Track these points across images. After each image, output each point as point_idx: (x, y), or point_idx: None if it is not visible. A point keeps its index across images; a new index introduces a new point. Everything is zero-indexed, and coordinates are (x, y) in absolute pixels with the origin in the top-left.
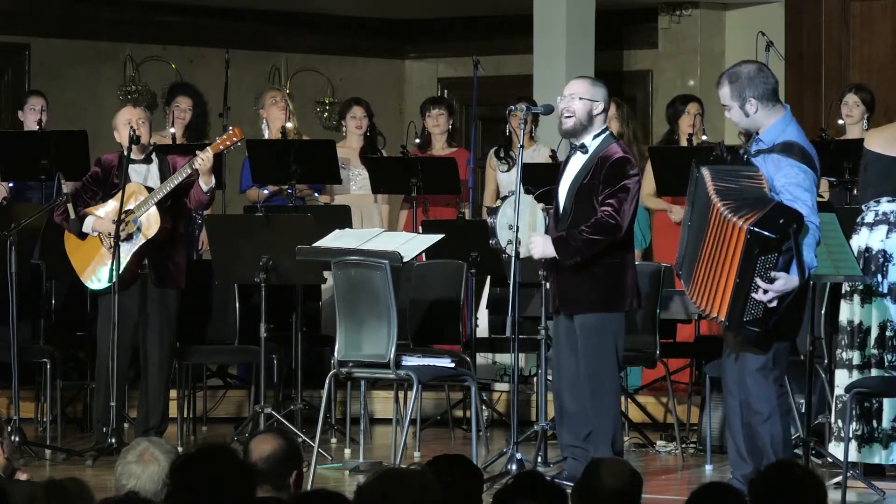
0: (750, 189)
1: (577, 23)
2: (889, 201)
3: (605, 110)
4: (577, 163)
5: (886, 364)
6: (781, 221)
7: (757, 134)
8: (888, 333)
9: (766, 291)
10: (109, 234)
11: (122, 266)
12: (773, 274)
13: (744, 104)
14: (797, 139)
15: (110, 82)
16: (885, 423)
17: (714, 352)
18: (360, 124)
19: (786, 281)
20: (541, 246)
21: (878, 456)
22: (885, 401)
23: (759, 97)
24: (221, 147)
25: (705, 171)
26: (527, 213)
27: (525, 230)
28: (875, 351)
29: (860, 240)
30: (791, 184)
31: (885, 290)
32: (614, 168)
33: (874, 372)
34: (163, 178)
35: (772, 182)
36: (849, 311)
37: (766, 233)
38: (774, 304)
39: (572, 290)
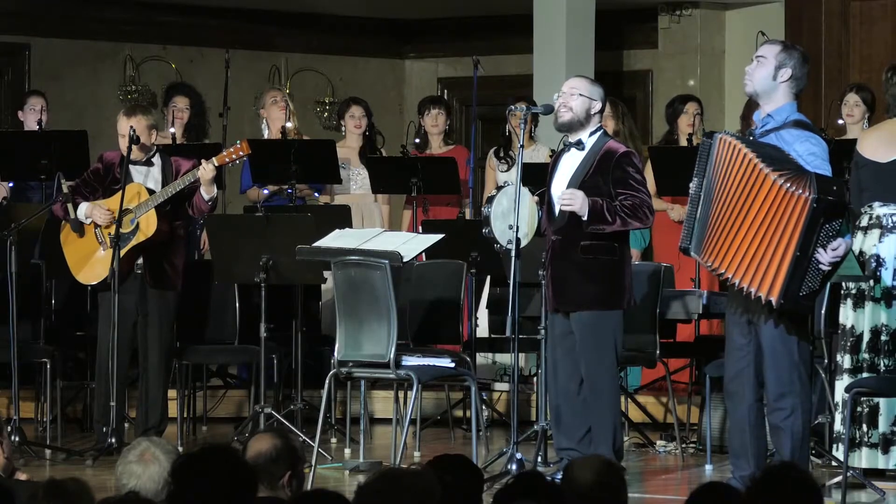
0: (783, 157)
1: (577, 23)
2: (881, 205)
3: (602, 111)
4: (572, 160)
5: (882, 369)
6: (835, 187)
7: (758, 106)
8: (883, 338)
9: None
10: (110, 221)
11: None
12: (833, 243)
13: (780, 68)
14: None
15: (110, 82)
16: (882, 428)
17: (714, 352)
18: (359, 124)
19: (845, 245)
20: (579, 203)
21: (870, 460)
22: (882, 405)
23: (794, 77)
24: (227, 160)
25: (730, 138)
26: (524, 206)
27: (522, 225)
28: (867, 356)
29: (855, 244)
30: (811, 153)
31: (879, 295)
32: (624, 164)
33: (863, 377)
34: (165, 180)
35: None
36: (842, 315)
37: (831, 198)
38: (829, 269)
39: (570, 287)
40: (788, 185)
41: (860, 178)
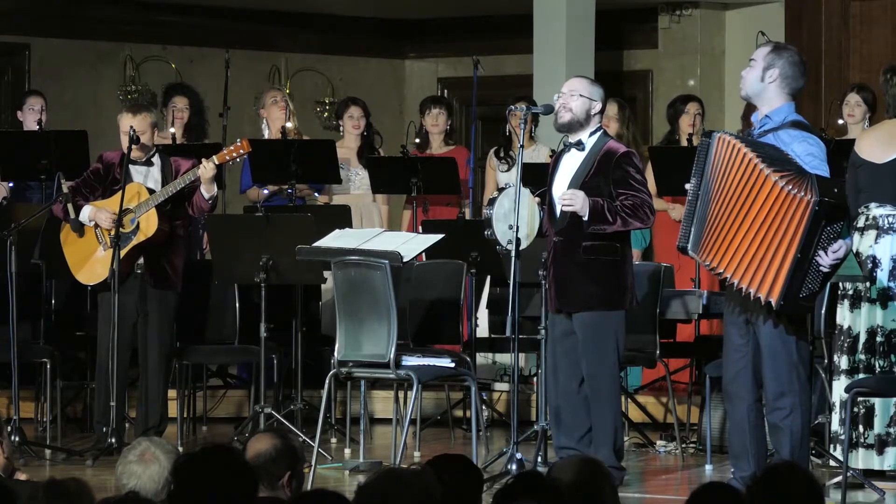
0: (783, 157)
1: (577, 23)
2: (878, 206)
3: (602, 111)
4: (573, 161)
5: (878, 370)
6: (836, 190)
7: (755, 109)
8: (878, 339)
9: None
10: (110, 225)
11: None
12: (834, 245)
13: (768, 68)
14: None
15: (110, 82)
16: (878, 429)
17: (714, 352)
18: (358, 124)
19: (846, 248)
20: (579, 203)
21: (865, 461)
22: (877, 406)
23: (783, 76)
24: (227, 157)
25: (729, 137)
26: (525, 207)
27: (523, 226)
28: (863, 357)
29: (852, 245)
30: (809, 154)
31: (875, 296)
32: (624, 163)
33: (862, 377)
34: (165, 180)
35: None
36: (839, 315)
37: (833, 201)
38: (829, 271)
39: (572, 288)
40: (790, 187)
41: (857, 178)
